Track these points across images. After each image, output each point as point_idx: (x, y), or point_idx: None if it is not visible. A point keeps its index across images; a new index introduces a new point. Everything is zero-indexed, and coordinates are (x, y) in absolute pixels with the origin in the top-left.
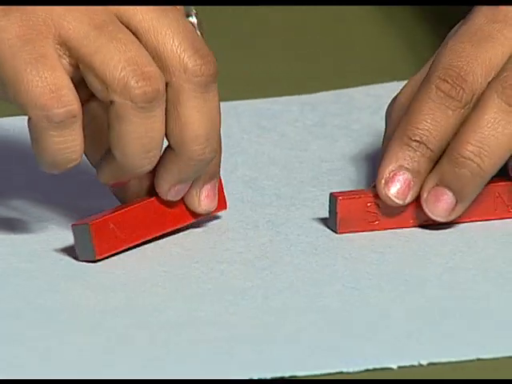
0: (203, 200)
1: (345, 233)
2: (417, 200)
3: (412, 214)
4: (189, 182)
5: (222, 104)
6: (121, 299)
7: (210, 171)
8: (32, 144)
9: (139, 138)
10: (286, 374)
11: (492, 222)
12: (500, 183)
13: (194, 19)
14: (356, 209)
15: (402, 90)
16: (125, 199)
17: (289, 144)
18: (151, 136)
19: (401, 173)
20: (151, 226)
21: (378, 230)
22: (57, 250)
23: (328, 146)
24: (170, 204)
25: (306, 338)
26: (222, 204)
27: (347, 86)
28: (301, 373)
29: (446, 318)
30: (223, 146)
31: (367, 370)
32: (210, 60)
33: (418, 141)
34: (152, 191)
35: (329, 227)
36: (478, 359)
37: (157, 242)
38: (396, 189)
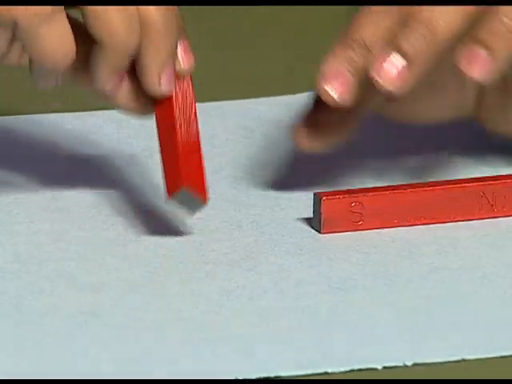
0: (163, 79)
1: (329, 233)
2: (400, 200)
3: (396, 214)
4: (171, 62)
5: (206, 104)
6: (105, 300)
7: (168, 49)
8: (27, 49)
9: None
10: (271, 374)
11: (476, 221)
12: (484, 182)
13: None
14: (340, 209)
15: None
16: (118, 100)
17: (273, 145)
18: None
19: (342, 70)
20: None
21: (362, 229)
22: (41, 251)
23: None
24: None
25: (291, 338)
26: (202, 192)
27: None
28: (286, 373)
29: (431, 319)
30: (208, 147)
31: (352, 371)
32: None
33: (358, 41)
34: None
35: (313, 227)
36: (464, 360)
37: (141, 242)
38: (335, 85)
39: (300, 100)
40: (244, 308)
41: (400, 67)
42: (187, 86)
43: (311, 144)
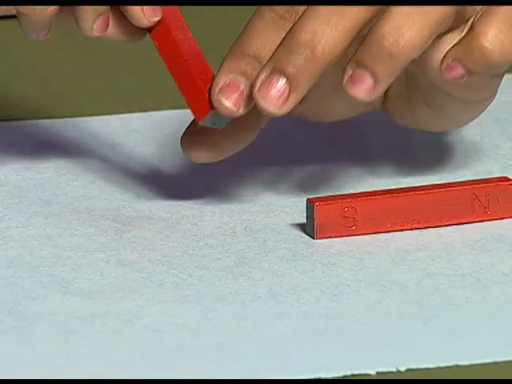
0: (146, 10)
1: (322, 238)
2: (393, 204)
3: (389, 218)
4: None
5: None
6: (98, 306)
7: None
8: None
9: None
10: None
11: (470, 226)
12: (477, 185)
13: None
14: (333, 214)
15: None
16: (108, 36)
17: (266, 149)
18: None
19: (237, 82)
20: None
21: (355, 234)
22: (35, 256)
23: (306, 151)
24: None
25: (284, 343)
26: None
27: None
28: (279, 378)
29: (425, 324)
30: None
31: (345, 376)
32: None
33: (250, 55)
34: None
35: (306, 233)
36: (457, 365)
37: (134, 247)
38: (231, 96)
39: None
40: (237, 314)
41: (282, 90)
42: (174, 10)
43: (198, 154)
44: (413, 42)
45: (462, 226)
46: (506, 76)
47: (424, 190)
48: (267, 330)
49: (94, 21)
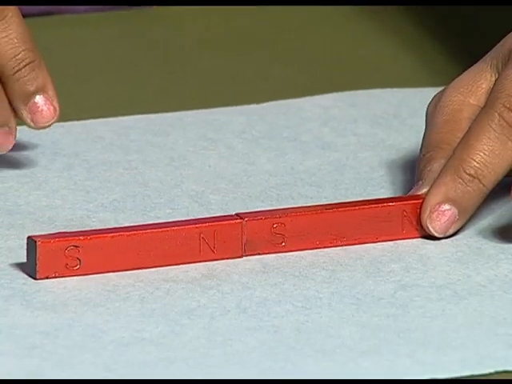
0: (34, 116)
1: (251, 255)
2: (322, 220)
3: (318, 235)
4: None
5: (167, 115)
6: (62, 320)
7: (25, 88)
8: None
9: None
10: None
11: (447, 238)
12: (407, 202)
13: None
14: (262, 230)
15: (445, 90)
16: None
17: (236, 157)
18: None
19: (448, 207)
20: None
21: (283, 251)
22: None
23: (277, 159)
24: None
25: (255, 358)
26: (237, 251)
27: (297, 96)
28: None
29: (400, 337)
30: (169, 159)
31: None
32: None
33: (471, 175)
34: None
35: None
36: (433, 379)
37: None
38: (439, 223)
39: (261, 110)
40: (206, 328)
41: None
42: None
43: None
44: None
45: (437, 240)
46: None
47: (354, 206)
48: (236, 345)
49: None
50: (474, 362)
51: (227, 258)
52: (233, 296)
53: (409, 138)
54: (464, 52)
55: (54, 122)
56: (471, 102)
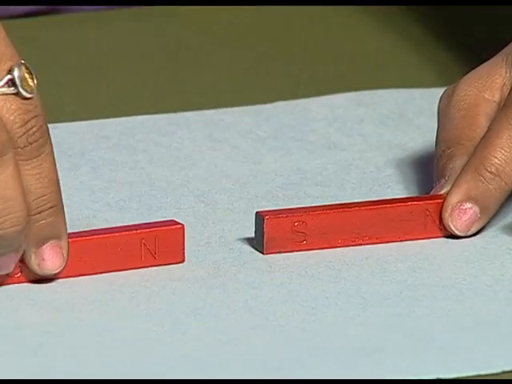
0: (42, 262)
1: (272, 253)
2: (344, 219)
3: (340, 234)
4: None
5: (173, 115)
6: (67, 319)
7: (42, 232)
8: None
9: None
10: None
11: (451, 238)
12: (431, 201)
13: (15, 73)
14: (283, 228)
15: (459, 84)
16: None
17: (242, 157)
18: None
19: (469, 206)
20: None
21: (305, 250)
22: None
23: (283, 159)
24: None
25: (261, 357)
26: (178, 256)
27: (302, 96)
28: None
29: (406, 337)
30: (174, 159)
31: None
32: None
33: (493, 173)
34: None
35: (255, 248)
36: (438, 379)
37: None
38: (461, 221)
39: (267, 110)
40: (211, 327)
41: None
42: None
43: None
44: None
45: (442, 239)
46: None
47: (376, 204)
48: (242, 344)
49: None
50: (480, 362)
51: (168, 264)
52: (239, 295)
53: (415, 137)
54: (469, 52)
55: (59, 272)
56: (486, 96)
